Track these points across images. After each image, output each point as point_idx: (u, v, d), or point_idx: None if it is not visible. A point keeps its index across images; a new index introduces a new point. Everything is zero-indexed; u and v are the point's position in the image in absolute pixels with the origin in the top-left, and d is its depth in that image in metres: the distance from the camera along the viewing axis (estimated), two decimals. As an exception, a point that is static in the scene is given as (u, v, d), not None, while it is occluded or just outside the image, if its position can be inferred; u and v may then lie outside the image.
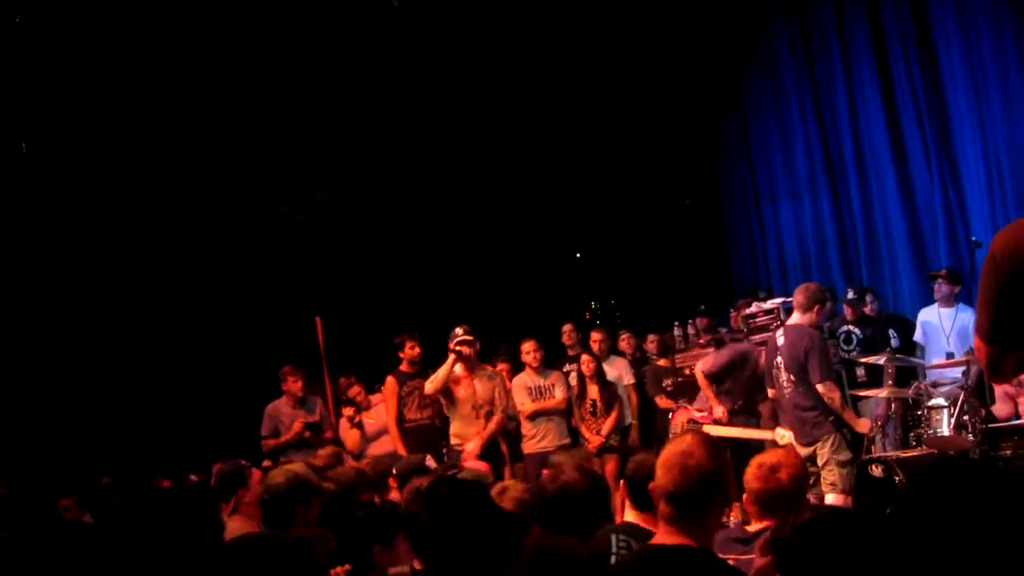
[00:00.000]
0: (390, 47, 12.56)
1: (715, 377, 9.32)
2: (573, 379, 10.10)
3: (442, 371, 8.74)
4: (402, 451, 9.13)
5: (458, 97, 13.37)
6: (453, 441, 8.92)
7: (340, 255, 13.09)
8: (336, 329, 11.80)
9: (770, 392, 8.36)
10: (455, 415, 8.95)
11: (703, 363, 9.52)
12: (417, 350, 9.71)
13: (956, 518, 2.17)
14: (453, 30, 12.53)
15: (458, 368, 8.84)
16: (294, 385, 10.00)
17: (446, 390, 8.85)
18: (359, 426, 9.97)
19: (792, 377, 7.81)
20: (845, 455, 7.60)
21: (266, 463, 9.60)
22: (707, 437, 3.47)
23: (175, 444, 10.74)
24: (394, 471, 6.45)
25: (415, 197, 13.71)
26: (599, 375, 10.03)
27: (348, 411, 10.13)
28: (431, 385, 8.80)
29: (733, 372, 9.24)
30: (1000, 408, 8.29)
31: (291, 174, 12.69)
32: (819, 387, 7.60)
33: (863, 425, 7.80)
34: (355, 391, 10.32)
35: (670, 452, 3.37)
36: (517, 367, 10.10)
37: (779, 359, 7.95)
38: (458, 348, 8.75)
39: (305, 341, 11.56)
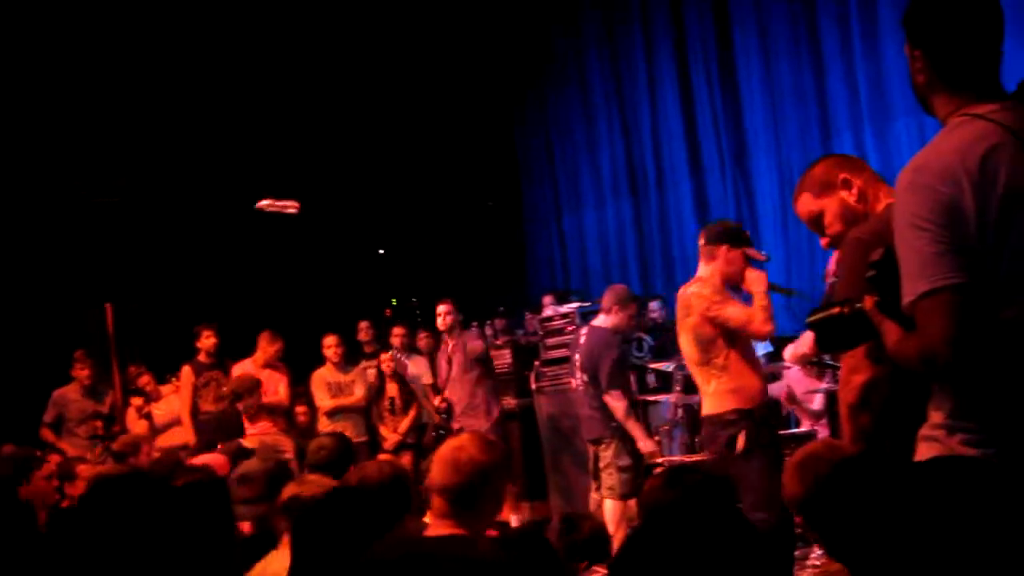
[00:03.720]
0: (194, 34, 12.29)
1: None
2: (371, 376, 10.06)
3: None
4: (194, 442, 8.99)
5: (264, 87, 13.16)
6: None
7: (134, 242, 12.66)
8: (127, 318, 11.40)
9: (572, 383, 8.49)
10: None
11: None
12: (213, 340, 9.54)
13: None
14: (263, 11, 12.40)
15: None
16: (81, 372, 9.70)
17: None
18: (147, 417, 9.71)
19: (585, 376, 7.99)
20: (625, 461, 7.77)
21: (39, 452, 9.25)
22: (482, 435, 3.57)
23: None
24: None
25: (214, 186, 13.38)
26: (398, 373, 10.03)
27: (137, 401, 9.84)
28: None
29: None
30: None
31: (90, 156, 12.21)
32: (606, 396, 7.78)
33: (647, 446, 7.83)
34: (144, 381, 10.05)
35: (444, 449, 3.46)
36: (316, 361, 9.97)
37: (577, 356, 8.15)
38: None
39: (94, 328, 11.14)
